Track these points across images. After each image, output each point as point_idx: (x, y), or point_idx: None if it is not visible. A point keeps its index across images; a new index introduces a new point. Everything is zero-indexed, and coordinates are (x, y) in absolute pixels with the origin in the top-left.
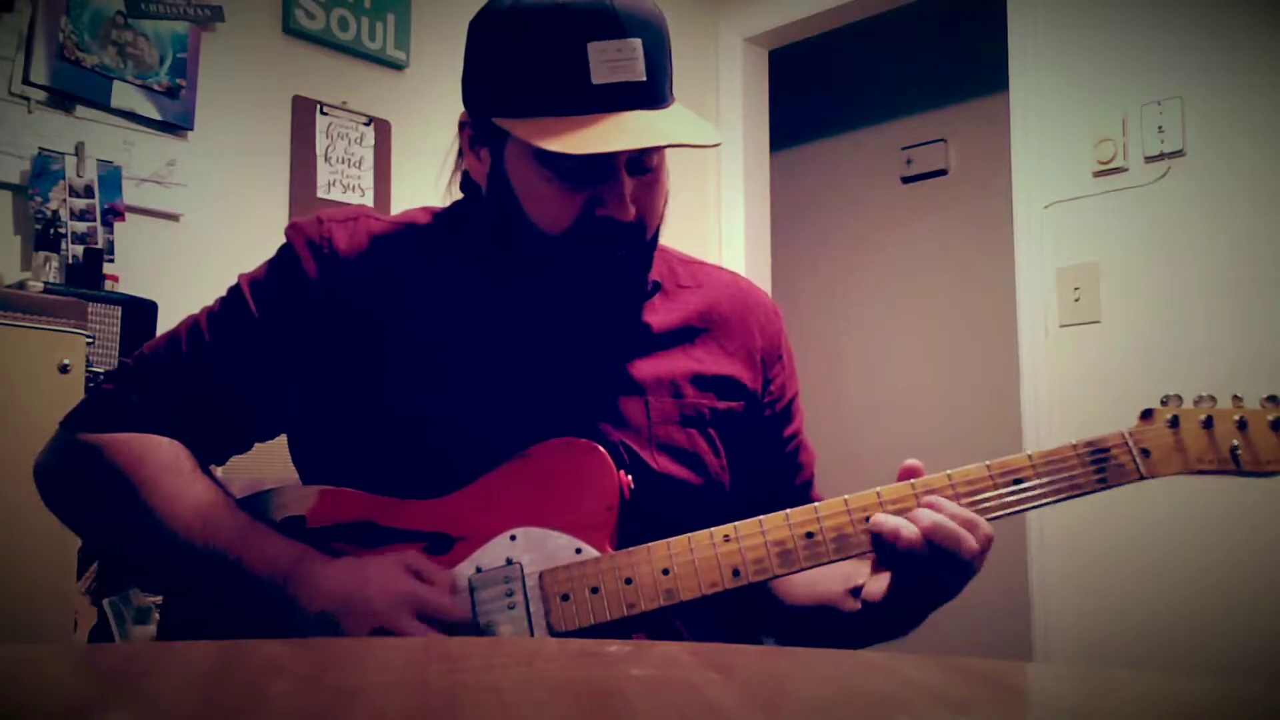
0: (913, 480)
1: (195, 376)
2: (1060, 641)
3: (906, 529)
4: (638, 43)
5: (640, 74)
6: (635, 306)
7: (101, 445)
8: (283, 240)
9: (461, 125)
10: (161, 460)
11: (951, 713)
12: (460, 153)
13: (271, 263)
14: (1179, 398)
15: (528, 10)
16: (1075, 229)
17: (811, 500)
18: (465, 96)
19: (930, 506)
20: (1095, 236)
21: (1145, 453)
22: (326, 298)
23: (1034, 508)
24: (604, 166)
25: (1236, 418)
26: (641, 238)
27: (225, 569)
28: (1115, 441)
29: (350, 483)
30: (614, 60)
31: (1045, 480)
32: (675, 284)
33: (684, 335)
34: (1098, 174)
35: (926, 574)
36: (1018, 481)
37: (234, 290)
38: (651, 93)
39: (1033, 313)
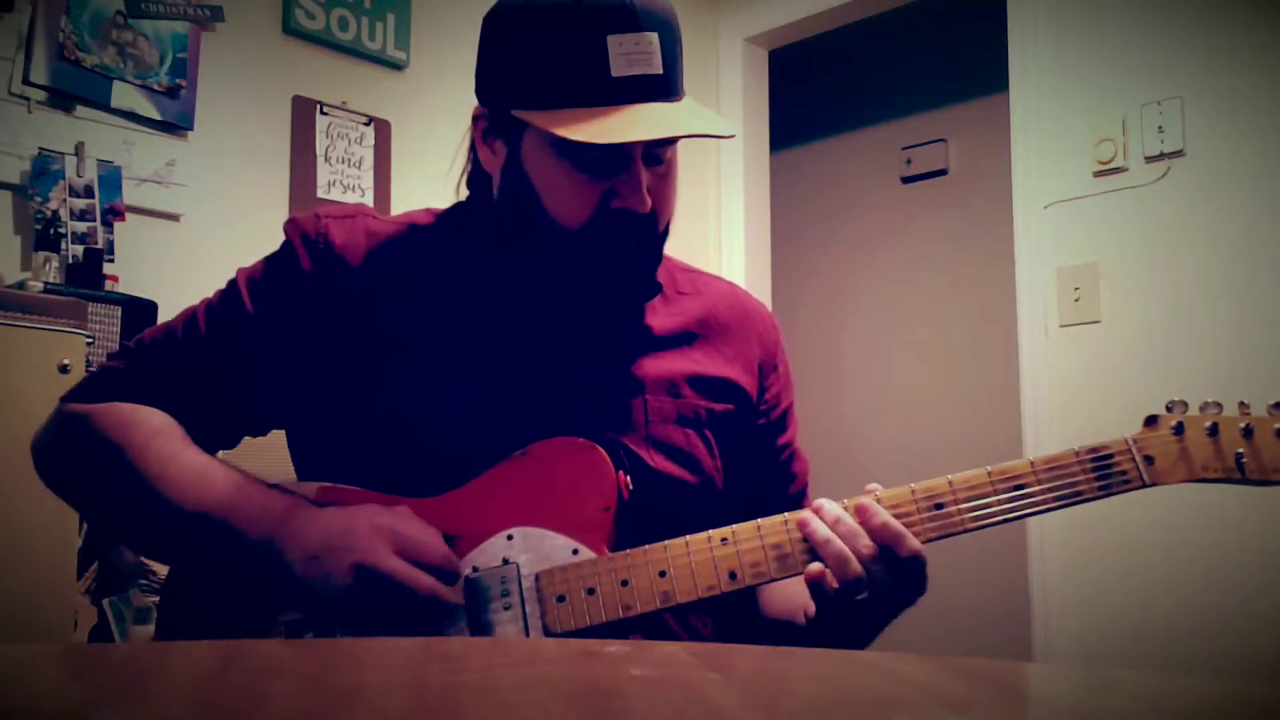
0: (913, 485)
1: (188, 368)
2: (1060, 641)
3: (822, 527)
4: (654, 36)
5: (657, 67)
6: (639, 306)
7: (91, 413)
8: (282, 237)
9: (475, 118)
10: (153, 426)
11: (951, 713)
12: (472, 147)
13: (269, 258)
14: (1184, 404)
15: (546, 4)
16: (1075, 229)
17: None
18: (479, 89)
19: (858, 508)
20: (1095, 236)
21: (1149, 460)
22: (321, 293)
23: (1035, 514)
24: (622, 158)
25: (1242, 425)
26: (655, 230)
27: (217, 524)
28: (1118, 448)
29: (348, 479)
30: (632, 53)
31: (1047, 486)
32: (675, 290)
33: (683, 339)
34: (1098, 174)
35: (824, 589)
36: (1019, 488)
37: (231, 284)
38: (667, 86)
39: (1033, 313)
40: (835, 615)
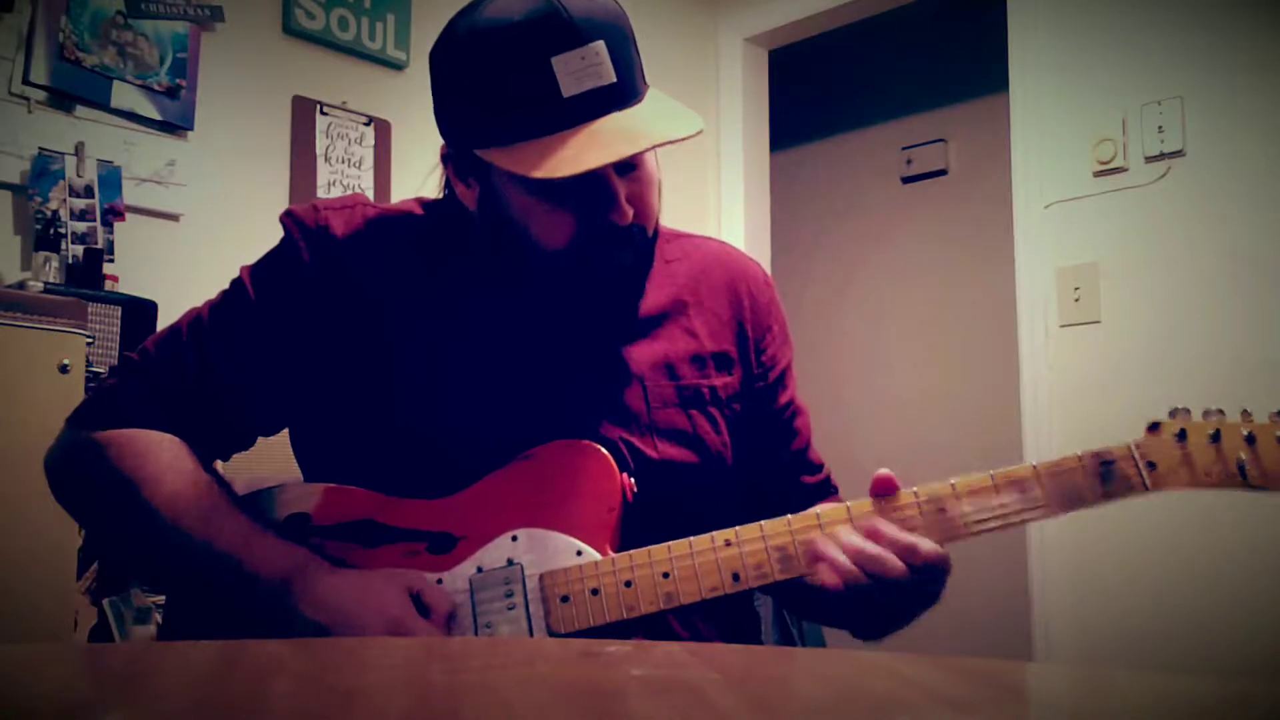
0: (916, 489)
1: (195, 365)
2: (1060, 641)
3: (840, 556)
4: (601, 45)
5: (609, 76)
6: (632, 299)
7: (104, 444)
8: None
9: (444, 158)
10: (163, 459)
11: (951, 713)
12: (447, 180)
13: (269, 252)
14: (1187, 410)
15: (484, 35)
16: (1075, 229)
17: (809, 463)
18: (442, 129)
19: (867, 532)
20: (1095, 236)
21: (1151, 466)
22: (322, 281)
23: (1038, 519)
24: (593, 176)
25: (1245, 432)
26: (643, 236)
27: (224, 570)
28: (1121, 454)
29: (353, 480)
30: (580, 70)
31: (1050, 491)
32: (662, 259)
33: (675, 312)
34: (1098, 174)
35: (862, 594)
36: (1022, 492)
37: (235, 281)
38: (624, 91)
39: (1033, 313)
40: (860, 611)
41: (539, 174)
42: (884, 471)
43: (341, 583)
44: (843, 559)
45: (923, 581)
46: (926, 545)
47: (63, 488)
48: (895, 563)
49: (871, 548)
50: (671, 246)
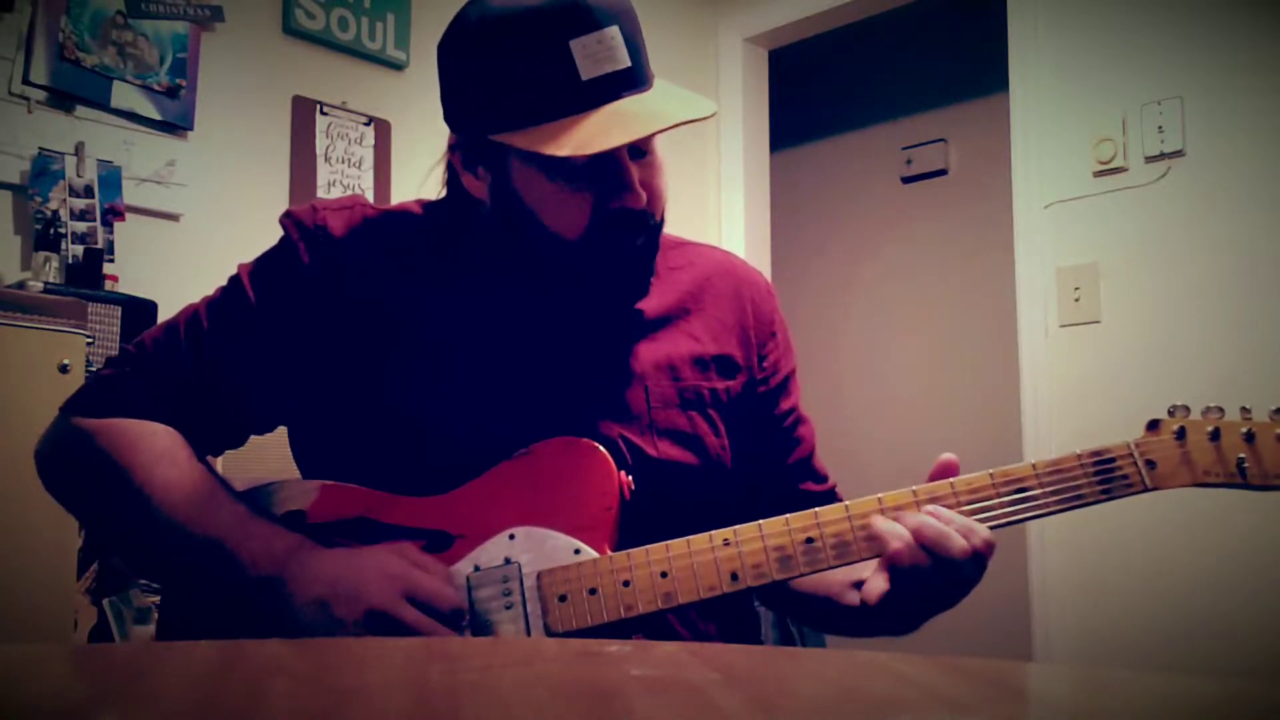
0: (914, 488)
1: (191, 363)
2: (1060, 641)
3: (898, 531)
4: (616, 30)
5: (624, 60)
6: (636, 296)
7: (95, 431)
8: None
9: (451, 147)
10: (156, 447)
11: (951, 713)
12: (449, 169)
13: (268, 252)
14: (1186, 408)
15: (500, 21)
16: (1075, 229)
17: (814, 471)
18: (450, 118)
19: (929, 515)
20: (1095, 236)
21: (1151, 464)
22: (321, 282)
23: (1037, 517)
24: (609, 160)
25: (1244, 430)
26: (652, 221)
27: (219, 557)
28: (1121, 452)
29: (349, 478)
30: (597, 53)
31: (1049, 490)
32: (666, 266)
33: (678, 316)
34: (1098, 174)
35: (918, 576)
36: (1021, 490)
37: (233, 279)
38: (636, 76)
39: (1033, 313)
40: (906, 600)
41: (564, 152)
42: (949, 456)
43: (336, 555)
44: (907, 537)
45: (974, 565)
46: (983, 529)
47: (53, 475)
48: (959, 540)
49: (935, 523)
50: (675, 254)
